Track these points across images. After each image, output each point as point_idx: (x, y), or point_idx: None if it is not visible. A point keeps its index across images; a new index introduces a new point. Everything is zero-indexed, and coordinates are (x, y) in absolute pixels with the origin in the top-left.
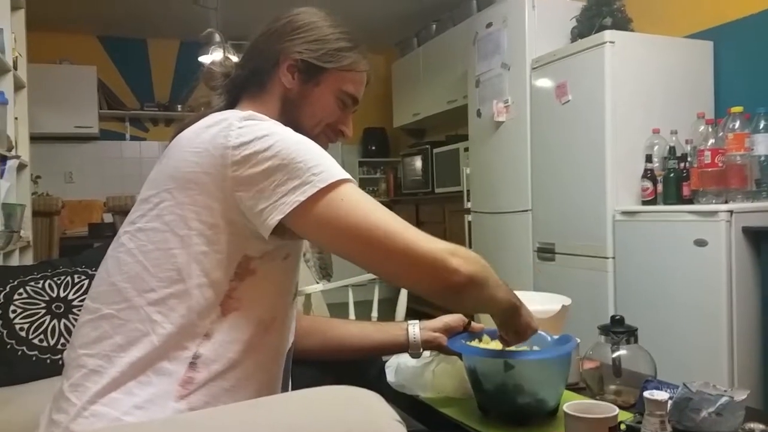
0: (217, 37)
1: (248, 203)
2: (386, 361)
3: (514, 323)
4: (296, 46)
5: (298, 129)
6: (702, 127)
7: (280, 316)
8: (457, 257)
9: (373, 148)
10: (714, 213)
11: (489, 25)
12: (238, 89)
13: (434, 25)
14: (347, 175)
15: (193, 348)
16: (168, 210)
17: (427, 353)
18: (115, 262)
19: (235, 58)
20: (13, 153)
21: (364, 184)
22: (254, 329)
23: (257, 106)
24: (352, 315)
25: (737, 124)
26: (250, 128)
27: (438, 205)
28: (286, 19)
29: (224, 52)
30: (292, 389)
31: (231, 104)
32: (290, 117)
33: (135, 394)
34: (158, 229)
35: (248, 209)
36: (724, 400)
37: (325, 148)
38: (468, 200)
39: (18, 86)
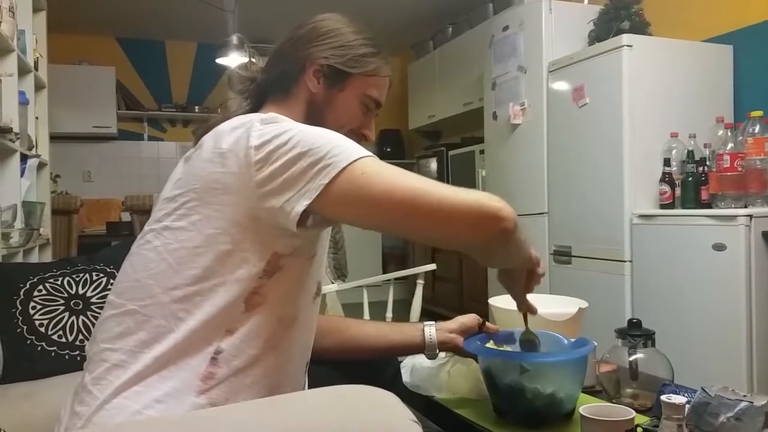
0: (236, 40)
1: (273, 198)
2: (401, 362)
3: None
4: (322, 51)
5: None
6: (721, 131)
7: (302, 314)
8: (496, 201)
9: (389, 149)
10: (733, 217)
11: (505, 28)
12: (264, 94)
13: (450, 28)
14: (368, 152)
15: (215, 343)
16: (194, 209)
17: (442, 354)
18: (140, 259)
19: (256, 62)
20: (33, 152)
21: None
22: (276, 326)
23: (282, 110)
24: (366, 315)
25: (757, 128)
26: (271, 127)
27: None
28: (311, 26)
29: (249, 56)
30: (308, 388)
31: (256, 108)
32: (315, 121)
33: (156, 387)
34: (184, 228)
35: (273, 204)
36: (743, 405)
37: None
38: None
39: (39, 86)
